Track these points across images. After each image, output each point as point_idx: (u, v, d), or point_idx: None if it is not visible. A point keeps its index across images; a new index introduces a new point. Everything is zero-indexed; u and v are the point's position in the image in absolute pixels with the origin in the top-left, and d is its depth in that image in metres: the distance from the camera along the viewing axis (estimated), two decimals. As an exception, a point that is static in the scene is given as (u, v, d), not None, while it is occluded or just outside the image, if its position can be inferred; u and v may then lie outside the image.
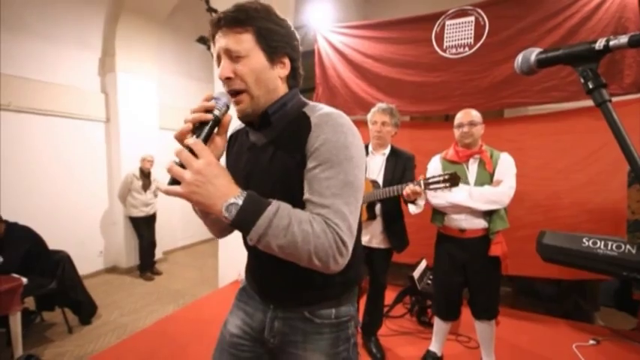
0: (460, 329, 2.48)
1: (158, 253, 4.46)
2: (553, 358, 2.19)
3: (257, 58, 0.75)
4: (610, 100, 0.52)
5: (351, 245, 0.70)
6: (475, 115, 1.82)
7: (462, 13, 2.89)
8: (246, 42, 0.73)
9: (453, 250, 1.89)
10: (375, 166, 2.08)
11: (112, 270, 4.29)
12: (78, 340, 2.62)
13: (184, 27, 5.05)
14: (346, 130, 0.73)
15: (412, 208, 1.90)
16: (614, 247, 1.31)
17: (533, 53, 0.62)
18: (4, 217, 2.54)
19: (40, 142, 3.58)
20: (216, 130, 0.72)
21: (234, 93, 0.76)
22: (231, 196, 0.63)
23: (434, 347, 2.12)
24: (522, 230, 2.56)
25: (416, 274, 2.70)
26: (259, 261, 0.89)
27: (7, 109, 3.29)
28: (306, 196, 0.72)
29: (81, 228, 3.97)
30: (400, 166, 2.02)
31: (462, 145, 1.86)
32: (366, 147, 2.13)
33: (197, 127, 0.68)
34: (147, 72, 4.45)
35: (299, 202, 0.72)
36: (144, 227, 4.09)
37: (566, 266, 1.57)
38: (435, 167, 1.97)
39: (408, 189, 1.75)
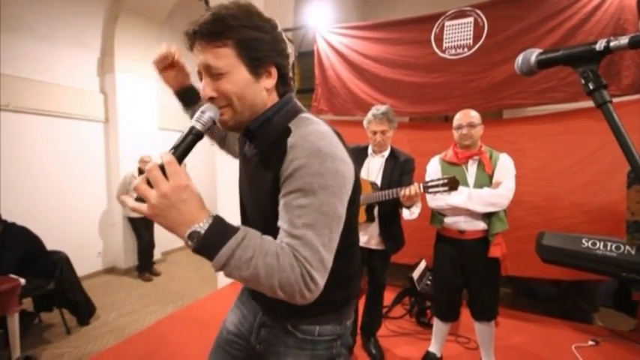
0: (459, 330, 2.48)
1: (157, 254, 4.45)
2: (552, 359, 2.19)
3: (239, 73, 0.70)
4: (611, 101, 0.52)
5: (321, 280, 0.65)
6: (474, 116, 1.82)
7: (460, 14, 2.89)
8: (226, 57, 0.68)
9: (453, 252, 1.89)
10: (374, 167, 2.08)
11: (111, 271, 4.28)
12: (76, 341, 2.61)
13: (183, 27, 5.01)
14: (323, 155, 0.65)
15: (406, 214, 1.90)
16: (613, 247, 1.31)
17: (534, 54, 0.62)
18: (3, 217, 2.53)
19: (38, 142, 3.58)
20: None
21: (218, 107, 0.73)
22: (195, 223, 0.59)
23: (433, 348, 2.11)
24: (521, 231, 2.56)
25: (415, 274, 2.70)
26: None
27: (5, 109, 3.28)
28: (279, 222, 0.68)
29: (79, 229, 3.96)
30: (399, 169, 2.02)
31: (461, 146, 1.86)
32: (366, 149, 2.13)
33: (178, 141, 0.65)
34: (146, 72, 4.44)
35: (272, 224, 0.69)
36: (142, 228, 4.08)
37: (565, 267, 1.57)
38: (434, 169, 1.97)
39: (405, 192, 1.75)
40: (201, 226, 0.59)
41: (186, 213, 0.59)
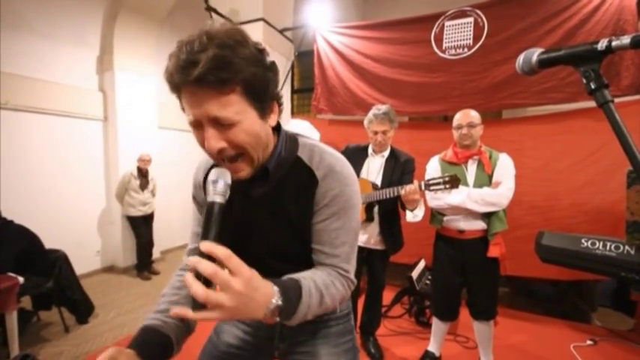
0: (458, 329, 2.48)
1: (156, 253, 4.44)
2: (551, 358, 2.20)
3: (250, 119, 0.63)
4: (612, 101, 0.52)
5: (354, 275, 0.79)
6: (474, 115, 1.82)
7: (461, 14, 2.89)
8: (234, 104, 0.60)
9: (452, 251, 1.89)
10: (375, 167, 2.08)
11: (109, 269, 4.27)
12: (75, 340, 2.61)
13: (183, 26, 5.03)
14: (350, 182, 0.75)
15: (409, 217, 1.89)
16: (612, 247, 1.31)
17: (535, 53, 0.62)
18: (2, 215, 2.53)
19: (37, 140, 3.56)
20: None
21: (229, 159, 0.66)
22: (270, 300, 0.58)
23: (432, 347, 2.12)
24: (520, 231, 2.57)
25: (414, 274, 2.70)
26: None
27: (4, 107, 3.27)
28: (317, 246, 0.76)
29: (78, 227, 3.95)
30: (399, 169, 2.02)
31: (461, 146, 1.86)
32: (366, 148, 2.13)
33: (204, 223, 0.59)
34: (145, 71, 4.43)
35: (302, 247, 0.78)
36: (142, 226, 4.08)
37: (564, 267, 1.57)
38: (433, 168, 1.97)
39: (406, 189, 1.75)
40: (277, 297, 0.59)
41: (261, 297, 0.57)
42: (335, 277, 0.74)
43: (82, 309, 2.84)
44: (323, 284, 0.70)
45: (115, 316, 3.01)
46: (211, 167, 0.74)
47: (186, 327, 0.75)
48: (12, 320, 2.22)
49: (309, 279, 0.69)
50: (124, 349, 0.63)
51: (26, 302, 2.63)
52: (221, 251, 0.52)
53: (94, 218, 4.19)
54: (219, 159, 0.66)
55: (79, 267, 2.95)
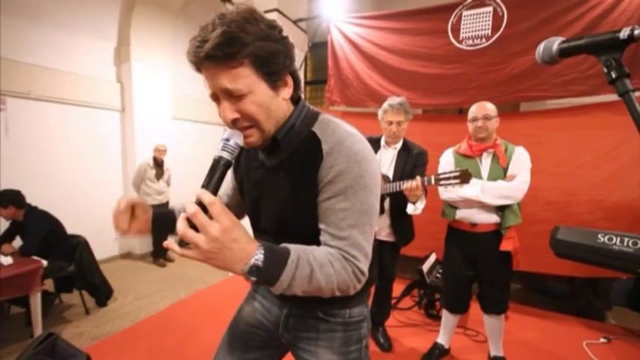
0: (468, 323, 2.48)
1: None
2: (563, 355, 2.18)
3: (260, 91, 0.67)
4: (633, 90, 0.51)
5: (367, 269, 0.72)
6: (490, 108, 1.78)
7: (479, 4, 2.81)
8: (244, 77, 0.64)
9: (464, 245, 1.88)
10: (387, 160, 2.07)
11: (127, 256, 4.41)
12: (95, 321, 2.72)
13: (198, 16, 5.05)
14: (360, 158, 0.69)
15: (410, 209, 1.89)
16: (630, 243, 1.28)
17: (556, 42, 0.61)
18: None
19: (58, 130, 3.67)
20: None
21: (242, 129, 0.70)
22: (250, 257, 0.59)
23: (441, 339, 2.13)
24: (535, 226, 2.53)
25: (425, 267, 2.70)
26: None
27: (27, 97, 3.38)
28: (322, 226, 0.72)
29: (97, 214, 4.08)
30: (411, 162, 2.01)
31: (476, 139, 1.83)
32: (379, 140, 2.12)
33: (208, 174, 0.63)
34: (161, 62, 4.49)
35: (310, 226, 0.74)
36: (157, 215, 4.18)
37: (579, 262, 1.54)
38: (447, 161, 1.95)
39: (406, 185, 1.75)
40: (257, 258, 0.59)
41: (239, 250, 0.58)
42: (336, 259, 0.68)
43: (102, 292, 2.96)
44: (317, 260, 0.66)
45: (133, 300, 3.12)
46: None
47: None
48: (36, 301, 2.34)
49: (304, 251, 0.66)
50: (145, 205, 0.84)
51: (49, 285, 2.75)
52: (207, 197, 0.56)
53: (112, 206, 4.30)
54: (234, 128, 0.70)
55: (99, 253, 3.05)
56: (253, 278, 0.60)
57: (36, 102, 3.46)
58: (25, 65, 3.34)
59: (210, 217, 0.56)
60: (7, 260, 2.28)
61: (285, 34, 0.70)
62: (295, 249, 0.65)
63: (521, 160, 1.75)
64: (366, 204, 0.70)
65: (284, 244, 0.67)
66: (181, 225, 0.56)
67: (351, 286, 0.70)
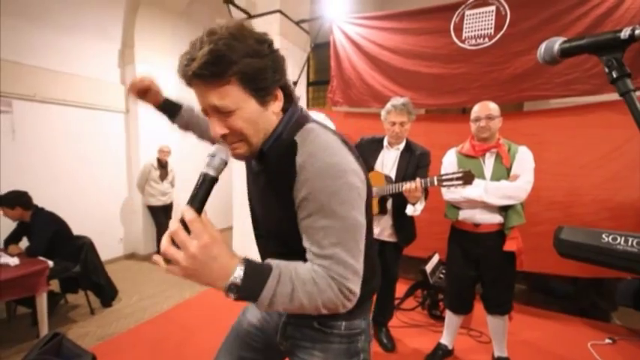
0: (472, 324, 2.47)
1: (174, 242, 4.58)
2: (567, 356, 2.17)
3: (249, 107, 0.67)
4: (634, 90, 0.51)
5: (357, 288, 0.69)
6: (493, 108, 1.78)
7: (482, 3, 2.81)
8: (232, 94, 0.64)
9: (467, 245, 1.87)
10: (389, 160, 2.07)
11: (131, 256, 4.44)
12: (99, 322, 2.74)
13: (201, 18, 5.08)
14: (335, 172, 0.65)
15: (409, 210, 1.88)
16: (634, 243, 1.26)
17: (557, 42, 0.61)
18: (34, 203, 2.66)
19: (63, 132, 3.71)
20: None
21: (231, 143, 0.70)
22: (229, 276, 0.59)
23: (445, 340, 2.12)
24: (539, 226, 2.51)
25: (428, 267, 2.70)
26: None
27: (33, 99, 3.42)
28: (306, 244, 0.70)
29: (102, 215, 4.12)
30: (414, 162, 2.01)
31: (479, 139, 1.83)
32: (381, 140, 2.12)
33: (193, 190, 0.64)
34: (164, 63, 4.51)
35: (290, 235, 0.73)
36: (161, 216, 4.21)
37: (583, 262, 1.53)
38: (450, 161, 1.95)
39: (406, 187, 1.75)
40: (236, 276, 0.60)
41: (219, 268, 0.59)
42: (321, 277, 0.65)
43: (107, 293, 2.98)
44: (299, 278, 0.65)
45: (137, 301, 3.14)
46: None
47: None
48: (42, 301, 2.36)
49: (285, 267, 0.65)
50: (160, 92, 1.12)
51: (54, 285, 2.77)
52: (188, 214, 0.58)
53: (117, 207, 4.36)
54: (224, 143, 0.70)
55: (103, 253, 3.07)
56: (232, 295, 0.61)
57: (41, 104, 3.50)
58: (31, 68, 3.38)
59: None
60: (14, 261, 2.30)
61: (275, 47, 0.69)
62: (278, 265, 0.65)
63: (524, 160, 1.75)
64: (347, 219, 0.67)
65: (268, 260, 0.67)
66: (164, 242, 0.58)
67: (339, 305, 0.68)
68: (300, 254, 0.71)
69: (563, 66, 2.50)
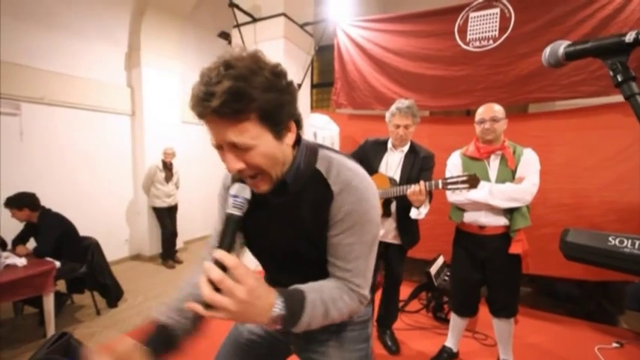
0: (477, 327, 2.46)
1: (179, 243, 4.61)
2: (573, 359, 2.15)
3: (266, 142, 0.67)
4: (639, 94, 0.52)
5: (368, 292, 0.79)
6: (498, 110, 1.78)
7: (486, 5, 2.81)
8: (250, 130, 0.64)
9: (472, 247, 1.87)
10: (393, 162, 2.07)
11: (137, 257, 4.48)
12: (106, 322, 2.77)
13: (206, 22, 5.14)
14: (366, 197, 0.74)
15: (413, 213, 1.88)
16: (641, 246, 1.26)
17: (562, 45, 0.62)
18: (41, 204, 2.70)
19: (70, 134, 3.75)
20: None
21: (249, 177, 0.71)
22: (272, 309, 0.63)
23: (450, 343, 2.11)
24: (545, 229, 2.50)
25: (433, 270, 2.69)
26: (279, 283, 0.77)
27: (41, 102, 3.46)
28: (330, 259, 0.78)
29: (108, 217, 4.16)
30: (418, 165, 2.00)
31: (484, 141, 1.83)
32: (385, 143, 2.13)
33: (221, 232, 0.68)
34: (170, 67, 4.56)
35: (320, 257, 0.79)
36: (166, 217, 4.24)
37: (589, 265, 1.52)
38: (454, 163, 1.94)
39: (410, 190, 1.75)
40: (280, 308, 0.64)
41: (264, 305, 0.62)
42: (345, 292, 0.75)
43: (113, 293, 3.00)
44: (330, 298, 0.72)
45: (142, 301, 3.17)
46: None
47: (196, 327, 0.82)
48: (49, 302, 2.38)
49: (315, 291, 0.71)
50: (140, 346, 0.71)
51: (61, 285, 2.80)
52: (230, 260, 0.59)
53: (123, 208, 4.39)
54: (242, 176, 0.71)
55: (109, 254, 3.10)
56: (277, 326, 0.65)
57: (49, 107, 3.55)
58: (39, 71, 3.43)
59: (227, 274, 0.58)
60: (22, 261, 2.34)
61: (289, 79, 0.70)
62: (309, 291, 0.70)
63: (530, 162, 1.74)
64: (369, 235, 0.76)
65: (296, 286, 0.71)
66: (207, 290, 0.57)
67: (356, 310, 0.79)
68: (312, 273, 0.77)
69: (569, 68, 2.49)
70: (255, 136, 0.65)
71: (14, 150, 3.29)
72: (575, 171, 2.62)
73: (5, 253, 2.42)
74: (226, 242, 0.66)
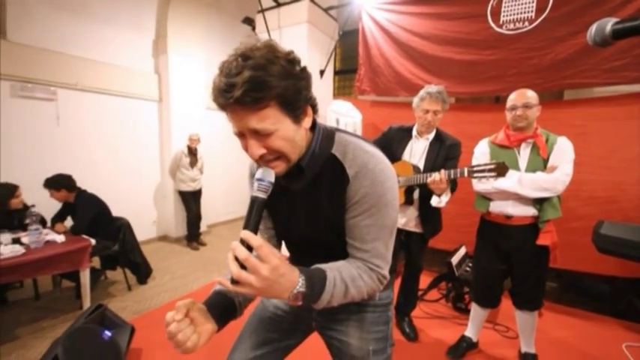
0: (498, 318, 2.42)
1: (203, 226, 4.77)
2: (600, 356, 2.08)
3: (286, 127, 0.70)
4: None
5: (388, 272, 0.82)
6: (531, 96, 1.69)
7: (523, -16, 2.65)
8: (270, 116, 0.67)
9: (498, 238, 1.82)
10: (418, 150, 2.04)
11: (163, 238, 4.67)
12: (136, 297, 2.93)
13: (230, 8, 5.15)
14: (383, 178, 0.75)
15: (434, 201, 1.85)
16: (683, 241, 1.19)
17: (609, 23, 0.58)
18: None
19: (101, 119, 3.91)
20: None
21: (269, 161, 0.74)
22: (294, 286, 0.67)
23: (469, 333, 2.10)
24: (576, 222, 2.40)
25: (454, 260, 2.65)
26: (302, 263, 0.80)
27: (75, 88, 3.62)
28: (349, 240, 0.81)
29: (137, 199, 4.35)
30: (443, 153, 1.96)
31: (515, 128, 1.75)
32: (410, 130, 2.09)
33: (247, 214, 0.70)
34: (196, 53, 4.63)
35: (338, 240, 0.82)
36: (191, 201, 4.38)
37: (622, 258, 1.46)
38: (482, 151, 1.88)
39: (431, 179, 1.72)
40: (301, 285, 0.67)
41: (286, 283, 0.66)
42: (364, 271, 0.77)
43: (142, 271, 3.16)
44: (349, 276, 0.75)
45: (169, 280, 3.32)
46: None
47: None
48: (85, 276, 2.54)
49: (335, 270, 0.74)
50: (198, 303, 0.78)
51: (95, 262, 2.97)
52: (254, 240, 0.63)
53: (151, 192, 4.58)
54: (261, 162, 0.74)
55: (138, 235, 3.24)
56: (298, 302, 0.68)
57: (82, 93, 3.70)
58: (73, 58, 3.57)
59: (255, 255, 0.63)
60: (61, 238, 2.49)
61: (302, 64, 0.72)
62: (330, 270, 0.74)
63: (563, 151, 1.66)
64: (387, 218, 0.78)
65: (317, 266, 0.74)
66: (234, 268, 0.62)
67: (376, 290, 0.81)
68: (333, 256, 0.80)
69: (610, 51, 2.33)
70: (275, 121, 0.68)
71: (51, 134, 3.47)
72: (613, 162, 2.48)
73: (45, 230, 2.59)
74: (252, 224, 0.69)
